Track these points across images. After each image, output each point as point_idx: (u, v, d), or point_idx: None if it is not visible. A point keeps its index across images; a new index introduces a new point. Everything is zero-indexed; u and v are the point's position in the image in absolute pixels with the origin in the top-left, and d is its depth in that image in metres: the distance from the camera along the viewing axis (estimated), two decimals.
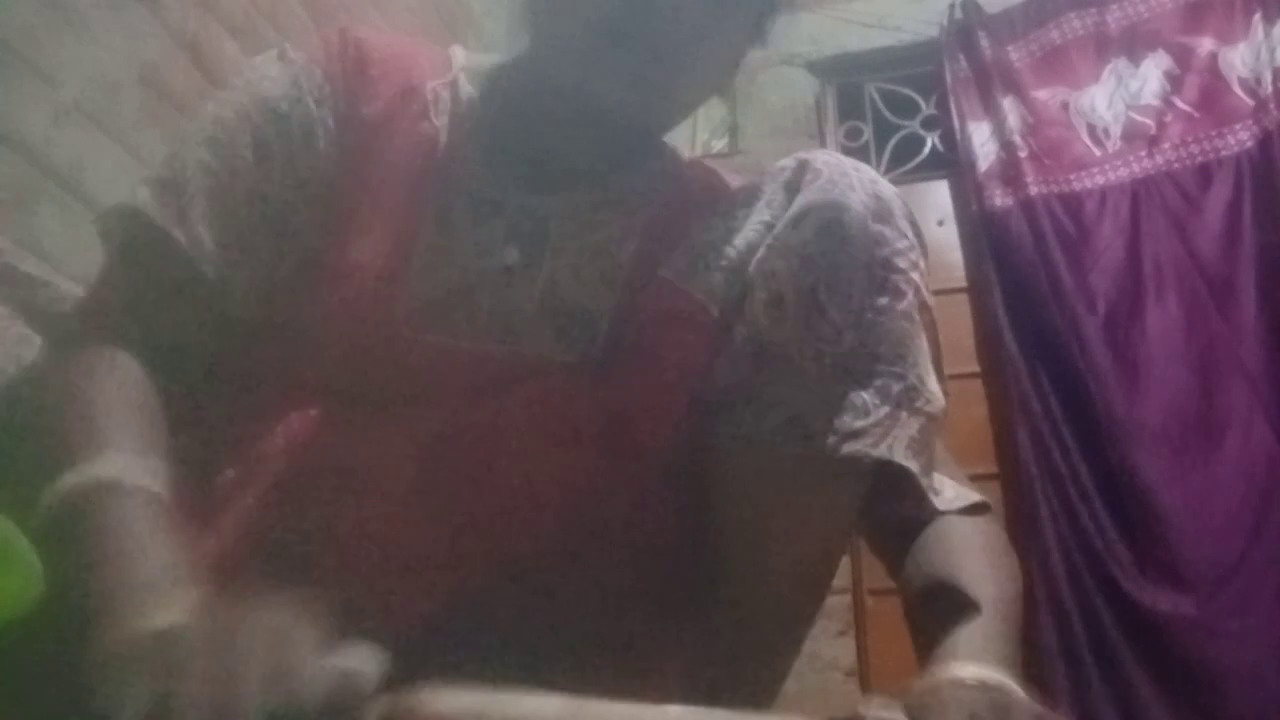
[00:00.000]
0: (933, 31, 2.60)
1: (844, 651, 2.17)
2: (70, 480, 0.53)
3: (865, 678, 2.14)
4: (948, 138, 2.56)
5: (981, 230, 2.36)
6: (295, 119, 0.69)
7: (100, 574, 0.49)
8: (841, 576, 2.15)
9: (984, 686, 0.51)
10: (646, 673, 0.67)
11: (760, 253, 0.66)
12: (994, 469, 2.23)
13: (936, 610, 0.63)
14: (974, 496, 0.69)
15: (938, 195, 2.57)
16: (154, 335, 0.65)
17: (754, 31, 0.74)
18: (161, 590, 0.47)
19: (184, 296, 0.66)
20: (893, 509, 0.67)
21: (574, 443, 0.66)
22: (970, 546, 0.66)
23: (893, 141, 2.68)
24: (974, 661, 0.54)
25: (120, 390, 0.60)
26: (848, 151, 2.64)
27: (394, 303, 0.67)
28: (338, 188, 0.69)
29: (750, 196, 0.70)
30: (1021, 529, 2.11)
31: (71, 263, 1.08)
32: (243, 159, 0.68)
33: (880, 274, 0.64)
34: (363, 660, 0.39)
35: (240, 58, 1.44)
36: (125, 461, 0.54)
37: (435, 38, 2.11)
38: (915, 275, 0.65)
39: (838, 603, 2.16)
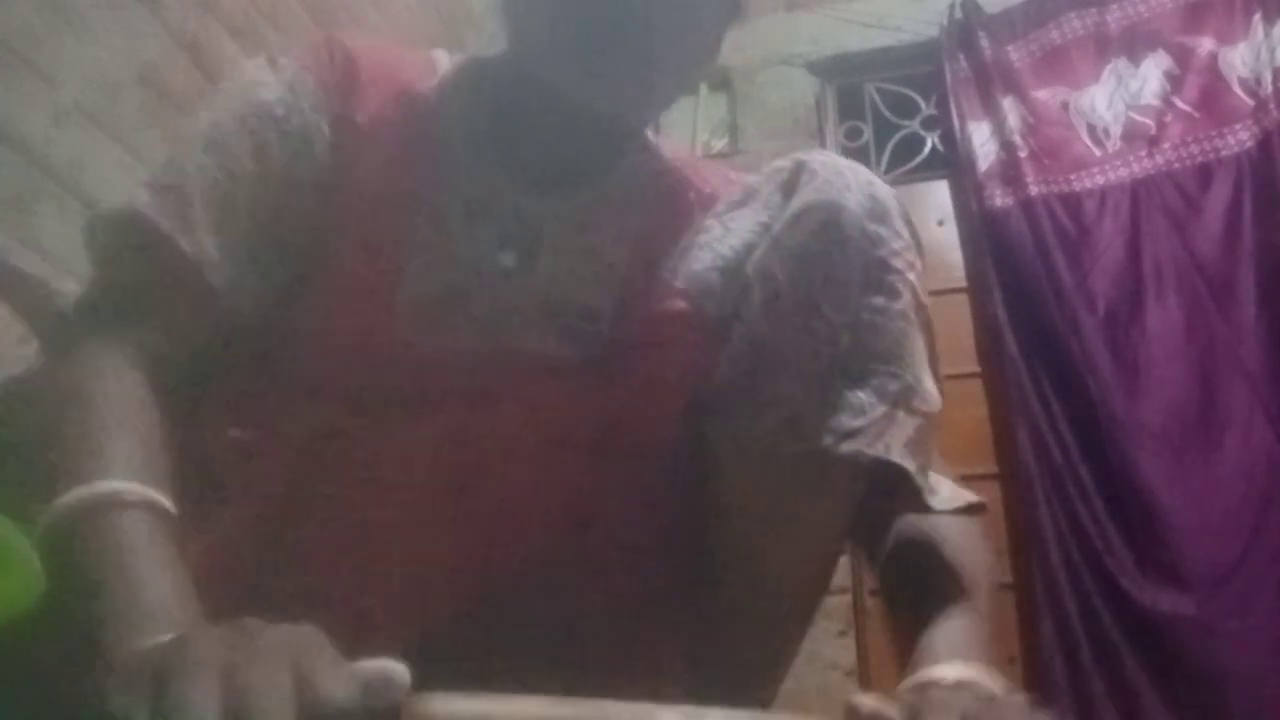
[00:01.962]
0: (933, 31, 2.60)
1: (844, 651, 2.17)
2: (72, 496, 0.51)
3: (865, 678, 2.14)
4: (948, 138, 2.56)
5: (981, 230, 2.36)
6: (292, 123, 0.68)
7: (100, 596, 0.47)
8: (841, 576, 2.15)
9: (969, 687, 0.51)
10: (647, 672, 0.68)
11: (757, 253, 0.66)
12: (994, 469, 2.23)
13: (916, 586, 0.63)
14: (970, 496, 0.70)
15: (938, 195, 2.56)
16: (158, 341, 0.63)
17: (732, 8, 0.71)
18: (162, 611, 0.46)
19: (188, 302, 0.64)
20: (889, 508, 0.67)
21: (577, 446, 0.66)
22: (952, 535, 0.66)
23: (893, 141, 2.67)
24: (959, 660, 0.54)
25: (123, 400, 0.58)
26: (848, 152, 2.64)
27: (392, 307, 0.66)
28: (333, 192, 0.68)
29: (746, 197, 0.70)
30: (1021, 529, 2.12)
31: (71, 262, 1.08)
32: (243, 164, 0.66)
33: (877, 274, 0.64)
34: (391, 670, 0.39)
35: (240, 58, 1.45)
36: (127, 477, 0.53)
37: (435, 38, 2.11)
38: (912, 275, 0.65)
39: (838, 603, 2.16)
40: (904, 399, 0.64)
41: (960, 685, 0.52)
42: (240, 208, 0.66)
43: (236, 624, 0.41)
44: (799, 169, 0.67)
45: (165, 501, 0.53)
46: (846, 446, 0.63)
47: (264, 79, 0.70)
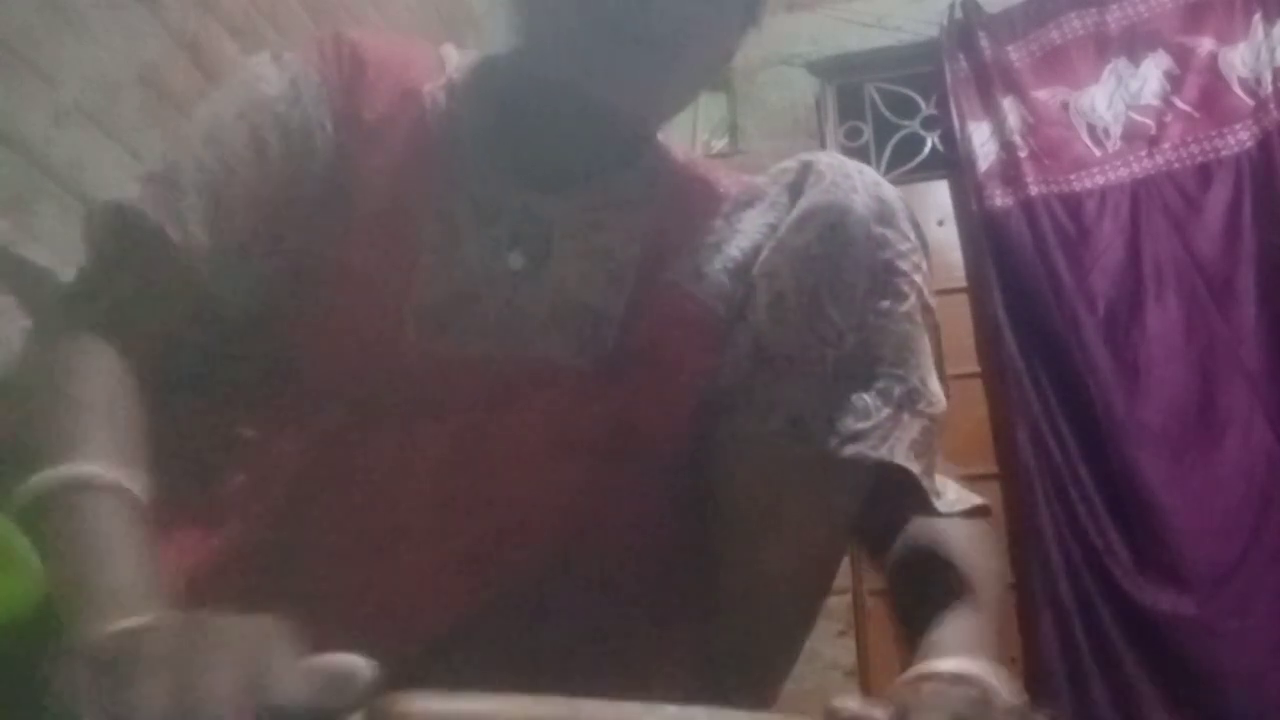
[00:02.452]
0: (933, 31, 2.60)
1: (844, 651, 2.17)
2: (44, 478, 0.52)
3: (865, 678, 2.14)
4: (948, 138, 2.56)
5: (981, 230, 2.36)
6: (294, 120, 0.68)
7: (66, 576, 0.48)
8: (841, 576, 2.13)
9: (967, 681, 0.51)
10: (650, 673, 0.67)
11: (763, 254, 0.66)
12: (994, 469, 2.23)
13: (923, 586, 0.63)
14: (975, 499, 0.70)
15: (938, 195, 2.56)
16: (143, 332, 0.63)
17: (747, 17, 0.71)
18: (127, 595, 0.46)
19: (176, 294, 0.65)
20: (894, 511, 0.67)
21: (585, 450, 0.66)
22: (960, 536, 0.66)
23: (893, 141, 2.67)
24: (960, 655, 0.54)
25: (102, 385, 0.59)
26: (848, 152, 2.63)
27: (400, 310, 0.66)
28: (338, 192, 0.68)
29: (753, 198, 0.70)
30: (1021, 529, 2.12)
31: (71, 263, 1.08)
32: (240, 158, 0.66)
33: (883, 276, 0.64)
34: (351, 666, 0.37)
35: (240, 58, 1.44)
36: (101, 462, 0.53)
37: (435, 38, 2.10)
38: (918, 277, 0.65)
39: (838, 603, 2.16)
40: (909, 401, 0.64)
41: (958, 679, 0.51)
42: (233, 202, 0.66)
43: (192, 617, 0.40)
44: (806, 170, 0.67)
45: (136, 487, 0.53)
46: (851, 449, 0.62)
47: (267, 74, 0.70)
